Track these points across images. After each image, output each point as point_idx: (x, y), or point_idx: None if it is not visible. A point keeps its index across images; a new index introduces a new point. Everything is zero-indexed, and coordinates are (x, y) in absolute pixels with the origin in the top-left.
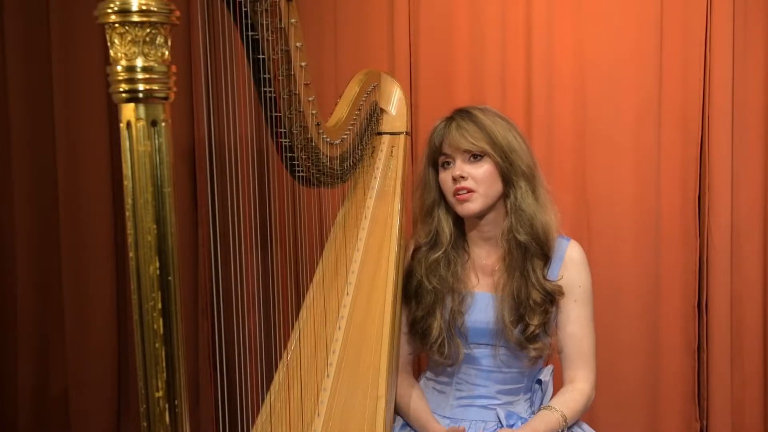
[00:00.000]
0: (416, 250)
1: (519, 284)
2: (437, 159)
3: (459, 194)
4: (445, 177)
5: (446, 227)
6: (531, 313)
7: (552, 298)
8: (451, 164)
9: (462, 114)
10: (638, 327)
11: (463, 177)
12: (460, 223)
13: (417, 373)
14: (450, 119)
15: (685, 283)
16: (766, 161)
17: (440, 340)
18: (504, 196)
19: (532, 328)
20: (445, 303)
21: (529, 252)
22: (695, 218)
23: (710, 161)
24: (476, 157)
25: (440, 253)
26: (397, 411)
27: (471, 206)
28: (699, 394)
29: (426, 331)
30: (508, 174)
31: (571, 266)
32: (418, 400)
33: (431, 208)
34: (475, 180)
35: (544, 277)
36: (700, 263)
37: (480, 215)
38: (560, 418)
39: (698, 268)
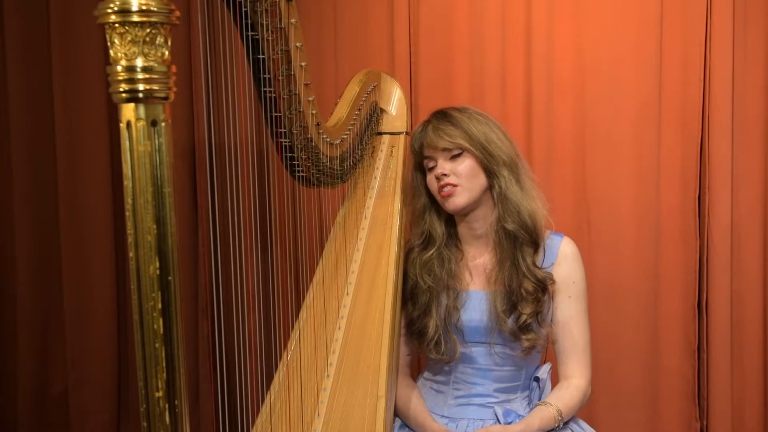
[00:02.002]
0: (410, 251)
1: (510, 273)
2: (422, 162)
3: (443, 190)
4: (430, 178)
5: (438, 227)
6: (523, 303)
7: (543, 286)
8: (434, 166)
9: (438, 115)
10: (638, 327)
11: (445, 174)
12: (451, 223)
13: (415, 374)
14: (427, 122)
15: (685, 283)
16: (766, 161)
17: (436, 337)
18: (489, 188)
19: (524, 318)
20: (440, 301)
21: (519, 241)
22: (695, 218)
23: (710, 161)
24: (455, 153)
25: (433, 251)
26: (396, 412)
27: (456, 200)
28: (699, 394)
29: (422, 330)
30: (489, 165)
31: (564, 262)
32: (416, 400)
33: (422, 212)
34: (457, 175)
35: (535, 265)
36: (700, 263)
37: (467, 210)
38: (555, 413)
39: (698, 268)
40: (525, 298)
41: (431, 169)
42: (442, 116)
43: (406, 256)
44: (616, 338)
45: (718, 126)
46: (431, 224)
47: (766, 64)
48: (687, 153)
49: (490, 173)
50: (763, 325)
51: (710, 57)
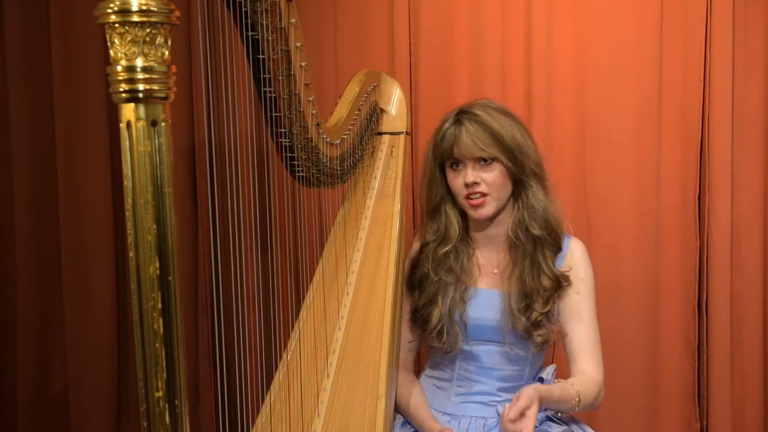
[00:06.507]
0: (424, 245)
1: (530, 272)
2: (445, 161)
3: (472, 199)
4: (457, 181)
5: (455, 222)
6: (539, 300)
7: (559, 283)
8: (461, 166)
9: (468, 116)
10: (638, 327)
11: (476, 183)
12: (465, 217)
13: (417, 370)
14: (457, 122)
15: (685, 283)
16: (766, 161)
17: (439, 327)
18: (514, 195)
19: (536, 315)
20: (448, 292)
21: (540, 242)
22: (695, 218)
23: (710, 161)
24: (486, 161)
25: (450, 246)
26: (396, 407)
27: (485, 211)
28: (699, 394)
29: (426, 318)
30: (519, 175)
31: (572, 260)
32: (417, 397)
33: (438, 205)
34: (487, 184)
35: (554, 264)
36: (700, 263)
37: (492, 218)
38: (575, 393)
39: (698, 268)
40: (541, 295)
41: (456, 169)
42: (474, 118)
43: (421, 248)
44: (616, 338)
45: (718, 126)
46: (448, 219)
47: (766, 64)
48: (687, 153)
49: (518, 182)
50: (763, 325)
51: (710, 57)
